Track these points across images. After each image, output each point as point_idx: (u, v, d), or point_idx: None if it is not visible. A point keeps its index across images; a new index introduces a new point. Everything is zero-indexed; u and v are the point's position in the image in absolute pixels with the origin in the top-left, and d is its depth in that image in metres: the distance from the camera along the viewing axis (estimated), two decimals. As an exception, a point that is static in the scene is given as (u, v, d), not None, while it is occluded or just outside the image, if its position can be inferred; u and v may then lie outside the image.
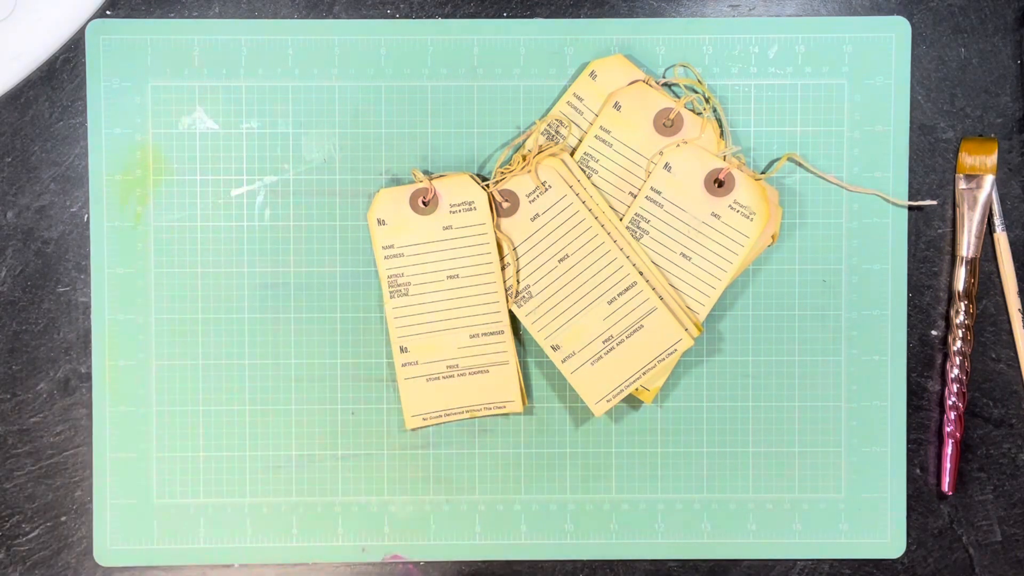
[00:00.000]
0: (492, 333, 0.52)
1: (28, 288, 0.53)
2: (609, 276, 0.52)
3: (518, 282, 0.52)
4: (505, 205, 0.52)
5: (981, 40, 0.54)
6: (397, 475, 0.54)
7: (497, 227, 0.52)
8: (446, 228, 0.51)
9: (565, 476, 0.54)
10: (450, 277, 0.51)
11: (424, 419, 0.52)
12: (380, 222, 0.52)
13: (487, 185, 0.52)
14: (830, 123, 0.53)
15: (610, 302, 0.52)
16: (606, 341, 0.52)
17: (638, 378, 0.52)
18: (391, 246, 0.52)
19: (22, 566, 0.54)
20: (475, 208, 0.51)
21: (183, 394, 0.53)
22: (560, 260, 0.52)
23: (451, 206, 0.51)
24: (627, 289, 0.51)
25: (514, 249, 0.52)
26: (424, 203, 0.51)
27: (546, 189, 0.51)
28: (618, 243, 0.52)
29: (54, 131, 0.53)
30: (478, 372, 0.52)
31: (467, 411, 0.52)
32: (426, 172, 0.53)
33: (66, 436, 0.54)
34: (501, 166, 0.53)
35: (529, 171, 0.51)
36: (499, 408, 0.52)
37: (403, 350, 0.52)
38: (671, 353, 0.52)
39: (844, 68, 0.53)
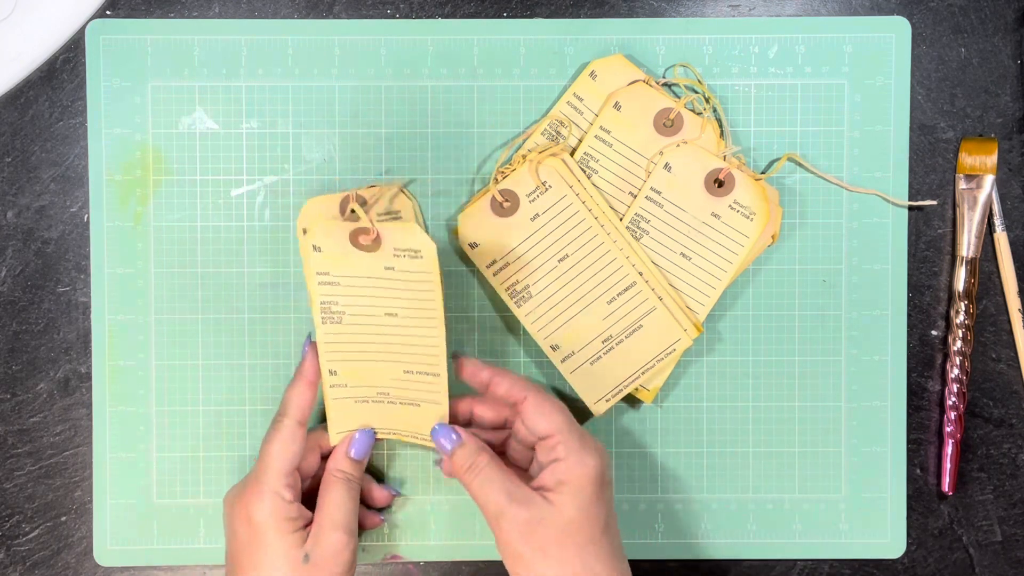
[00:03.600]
0: (427, 374, 0.49)
1: (28, 288, 0.53)
2: (608, 276, 0.52)
3: (517, 282, 0.52)
4: (505, 205, 0.52)
5: (981, 40, 0.54)
6: (397, 475, 0.54)
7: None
8: (388, 268, 0.48)
9: (565, 476, 0.54)
10: (388, 315, 0.48)
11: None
12: (316, 248, 0.47)
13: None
14: (830, 123, 0.53)
15: (609, 302, 0.52)
16: (605, 341, 0.52)
17: (637, 378, 0.52)
18: (327, 273, 0.48)
19: (22, 566, 0.54)
20: (421, 257, 0.47)
21: (183, 394, 0.53)
22: (560, 260, 0.52)
23: (395, 250, 0.47)
24: (626, 289, 0.51)
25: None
26: (361, 233, 0.48)
27: (546, 189, 0.51)
28: (618, 243, 0.51)
29: (54, 131, 0.53)
30: (409, 404, 0.49)
31: (393, 433, 0.50)
32: (381, 181, 0.52)
33: (66, 436, 0.54)
34: (501, 166, 0.53)
35: (530, 168, 0.51)
36: (425, 439, 0.50)
37: (332, 373, 0.49)
38: (670, 353, 0.52)
39: (844, 68, 0.53)
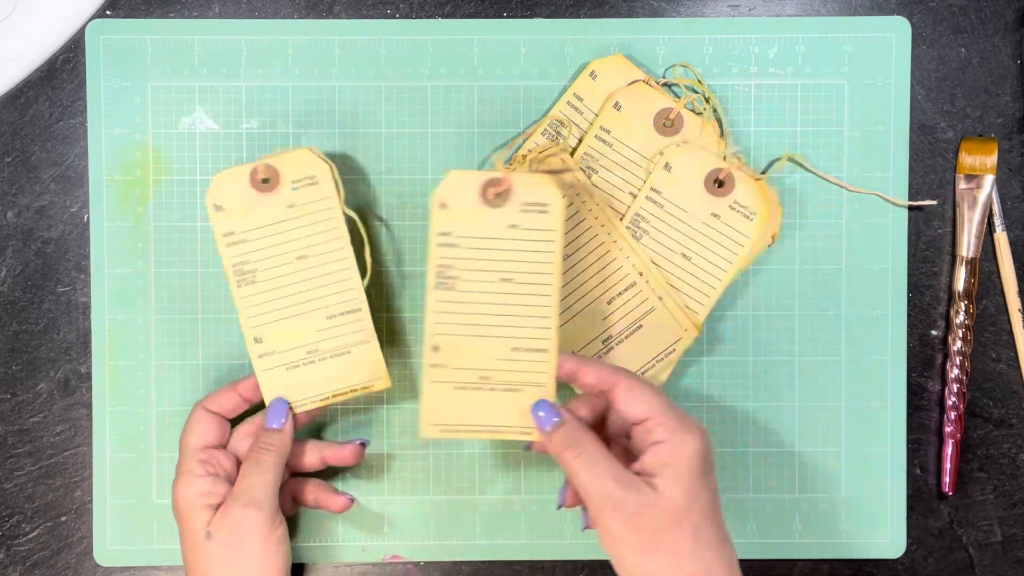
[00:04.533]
0: (349, 312, 0.49)
1: (28, 288, 0.53)
2: (608, 276, 0.51)
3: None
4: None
5: (981, 40, 0.54)
6: (397, 475, 0.54)
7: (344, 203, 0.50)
8: (290, 207, 0.49)
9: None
10: (299, 259, 0.49)
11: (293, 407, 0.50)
12: (217, 208, 0.48)
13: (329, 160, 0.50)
14: (830, 123, 0.53)
15: (609, 302, 0.52)
16: (605, 341, 0.52)
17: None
18: (232, 232, 0.49)
19: (22, 566, 0.54)
20: (317, 182, 0.49)
21: (183, 394, 0.53)
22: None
23: (293, 183, 0.49)
24: (626, 289, 0.51)
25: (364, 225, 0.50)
26: (264, 181, 0.49)
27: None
28: (618, 243, 0.51)
29: (54, 131, 0.53)
30: (339, 354, 0.49)
31: (332, 395, 0.50)
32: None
33: (66, 436, 0.54)
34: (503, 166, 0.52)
35: (531, 170, 0.51)
36: (365, 388, 0.50)
37: (258, 340, 0.49)
38: (670, 352, 0.52)
39: (844, 68, 0.53)
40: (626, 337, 0.52)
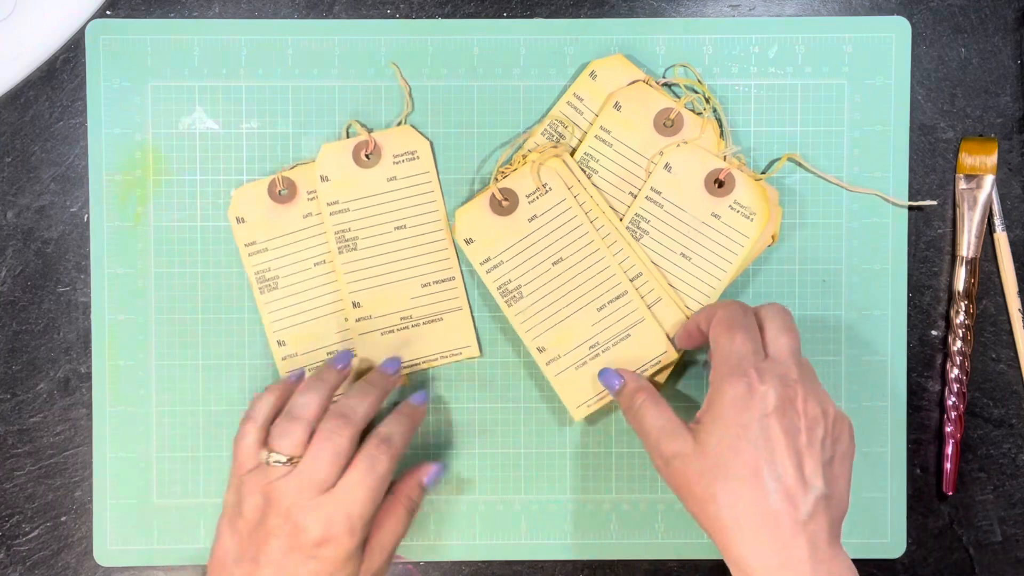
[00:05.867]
0: (443, 280, 0.52)
1: (28, 288, 0.53)
2: (601, 283, 0.52)
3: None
4: (504, 204, 0.52)
5: (981, 40, 0.54)
6: (397, 475, 0.54)
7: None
8: (391, 179, 0.52)
9: (565, 476, 0.54)
10: (397, 228, 0.52)
11: None
12: (324, 179, 0.52)
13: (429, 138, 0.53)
14: (830, 123, 0.53)
15: (599, 308, 0.52)
16: (592, 347, 0.52)
17: (426, 362, 0.53)
18: (336, 201, 0.52)
19: (22, 566, 0.54)
20: (418, 157, 0.52)
21: (183, 394, 0.53)
22: (554, 263, 0.52)
23: (394, 157, 0.52)
24: (617, 297, 0.51)
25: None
26: (367, 156, 0.52)
27: (546, 191, 0.51)
28: (613, 248, 0.51)
29: (54, 131, 0.53)
30: (432, 321, 0.52)
31: (425, 362, 0.53)
32: (370, 130, 0.53)
33: (66, 436, 0.54)
34: (501, 166, 0.53)
35: (532, 169, 0.51)
36: (455, 355, 0.53)
37: (356, 305, 0.52)
38: (655, 364, 0.52)
39: (844, 68, 0.53)
40: (613, 345, 0.52)
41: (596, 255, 0.51)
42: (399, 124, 0.53)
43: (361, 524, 0.45)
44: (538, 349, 0.52)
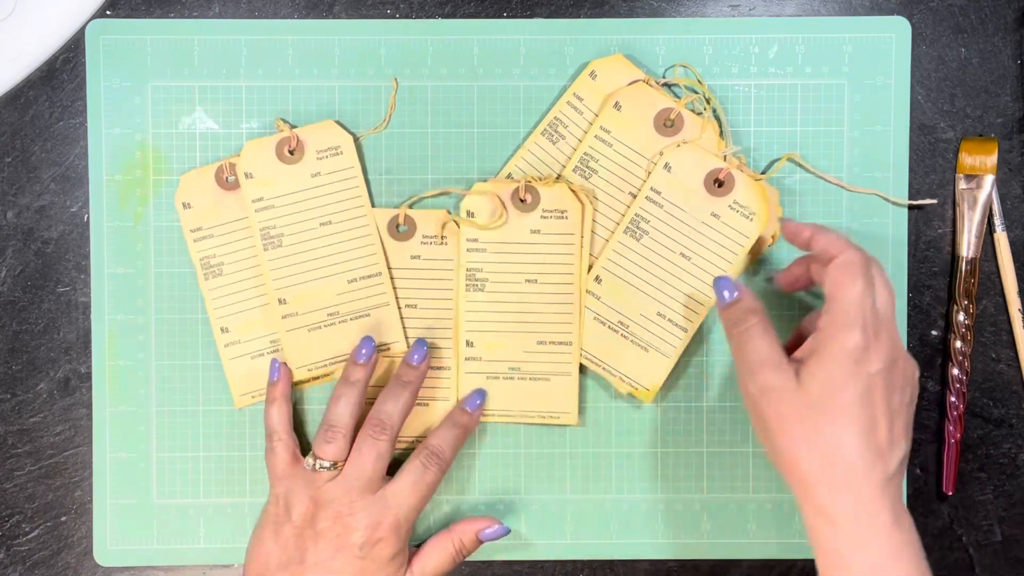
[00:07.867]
0: (370, 276, 0.52)
1: (28, 288, 0.53)
2: (551, 323, 0.52)
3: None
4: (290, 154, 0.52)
5: (981, 40, 0.54)
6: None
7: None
8: (315, 175, 0.52)
9: (565, 476, 0.54)
10: (323, 224, 0.52)
11: (309, 370, 0.52)
12: (247, 175, 0.51)
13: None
14: (830, 123, 0.53)
15: (539, 343, 0.52)
16: (513, 368, 0.52)
17: (521, 415, 0.53)
18: (261, 198, 0.51)
19: (22, 566, 0.54)
20: (341, 153, 0.52)
21: (183, 394, 0.53)
22: (528, 281, 0.52)
23: (318, 153, 0.52)
24: (560, 343, 0.52)
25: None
26: (290, 152, 0.52)
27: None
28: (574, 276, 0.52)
29: (54, 131, 0.53)
30: (360, 316, 0.52)
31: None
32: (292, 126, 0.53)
33: (66, 436, 0.54)
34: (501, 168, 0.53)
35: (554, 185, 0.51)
36: (385, 351, 0.52)
37: (469, 344, 0.52)
38: (552, 417, 0.52)
39: (844, 68, 0.53)
40: (532, 379, 0.52)
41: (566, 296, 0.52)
42: (384, 125, 0.53)
43: (407, 527, 0.48)
44: (467, 343, 0.52)
